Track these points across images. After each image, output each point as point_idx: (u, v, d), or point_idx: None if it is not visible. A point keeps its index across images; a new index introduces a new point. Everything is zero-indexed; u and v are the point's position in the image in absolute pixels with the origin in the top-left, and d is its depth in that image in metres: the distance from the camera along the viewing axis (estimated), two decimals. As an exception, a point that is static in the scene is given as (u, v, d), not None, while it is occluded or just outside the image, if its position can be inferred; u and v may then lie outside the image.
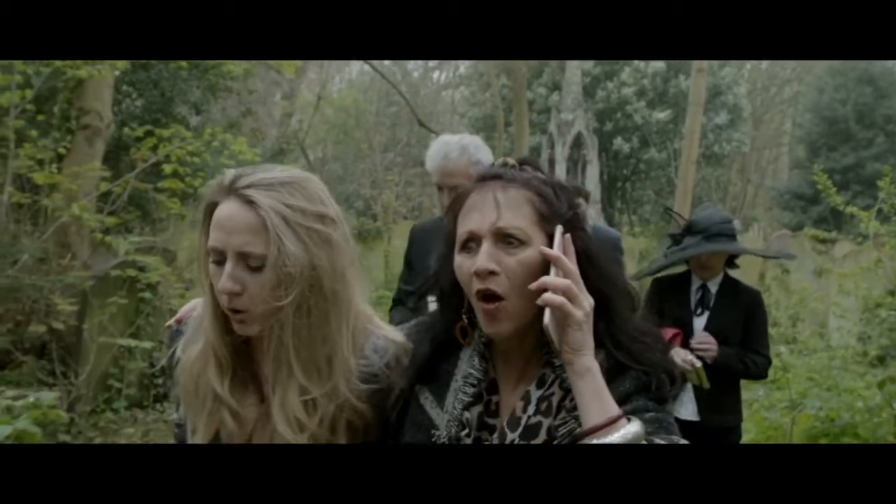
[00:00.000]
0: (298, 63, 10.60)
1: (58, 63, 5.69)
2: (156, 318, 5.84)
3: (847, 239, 10.79)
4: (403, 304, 2.99)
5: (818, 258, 10.49)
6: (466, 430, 1.22)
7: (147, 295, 5.74)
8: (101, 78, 6.65)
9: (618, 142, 18.86)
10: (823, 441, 5.48)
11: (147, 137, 6.21)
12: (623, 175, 20.89)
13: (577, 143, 15.66)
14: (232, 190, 1.22)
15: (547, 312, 1.11)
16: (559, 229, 1.18)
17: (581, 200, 4.63)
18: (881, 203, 6.03)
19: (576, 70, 16.28)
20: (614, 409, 1.09)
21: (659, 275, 3.34)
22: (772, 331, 5.97)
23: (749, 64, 23.34)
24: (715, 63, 17.58)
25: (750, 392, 6.51)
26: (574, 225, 1.20)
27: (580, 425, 1.11)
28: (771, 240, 14.98)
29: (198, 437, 1.32)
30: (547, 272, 1.14)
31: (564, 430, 1.16)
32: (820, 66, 22.27)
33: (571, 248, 1.17)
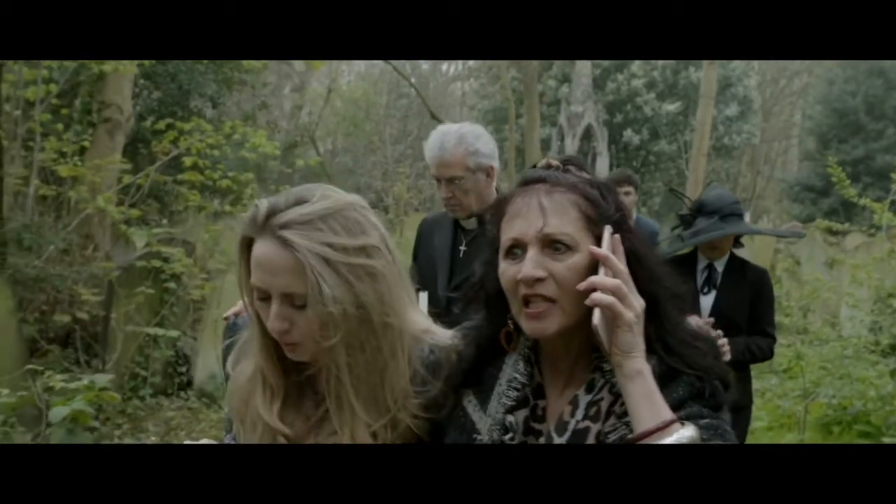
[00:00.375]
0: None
1: (82, 58, 5.79)
2: (179, 308, 5.97)
3: (858, 230, 10.82)
4: None
5: (829, 249, 10.52)
6: (510, 434, 1.19)
7: (171, 285, 5.86)
8: (125, 73, 6.76)
9: (628, 134, 18.84)
10: (836, 429, 5.57)
11: (168, 130, 6.32)
12: (633, 167, 20.80)
13: (588, 135, 15.65)
14: (267, 228, 1.17)
15: (596, 313, 1.08)
16: (608, 229, 1.15)
17: (630, 188, 4.71)
18: (894, 195, 6.09)
19: (586, 62, 16.27)
20: (667, 413, 1.06)
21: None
22: (784, 321, 6.06)
23: (759, 55, 23.21)
24: (725, 55, 17.50)
25: (762, 381, 6.59)
26: (622, 226, 1.17)
27: (631, 431, 1.08)
28: (782, 231, 14.98)
29: None
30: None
31: (615, 437, 1.12)
32: (830, 58, 22.14)
33: (621, 249, 1.14)
